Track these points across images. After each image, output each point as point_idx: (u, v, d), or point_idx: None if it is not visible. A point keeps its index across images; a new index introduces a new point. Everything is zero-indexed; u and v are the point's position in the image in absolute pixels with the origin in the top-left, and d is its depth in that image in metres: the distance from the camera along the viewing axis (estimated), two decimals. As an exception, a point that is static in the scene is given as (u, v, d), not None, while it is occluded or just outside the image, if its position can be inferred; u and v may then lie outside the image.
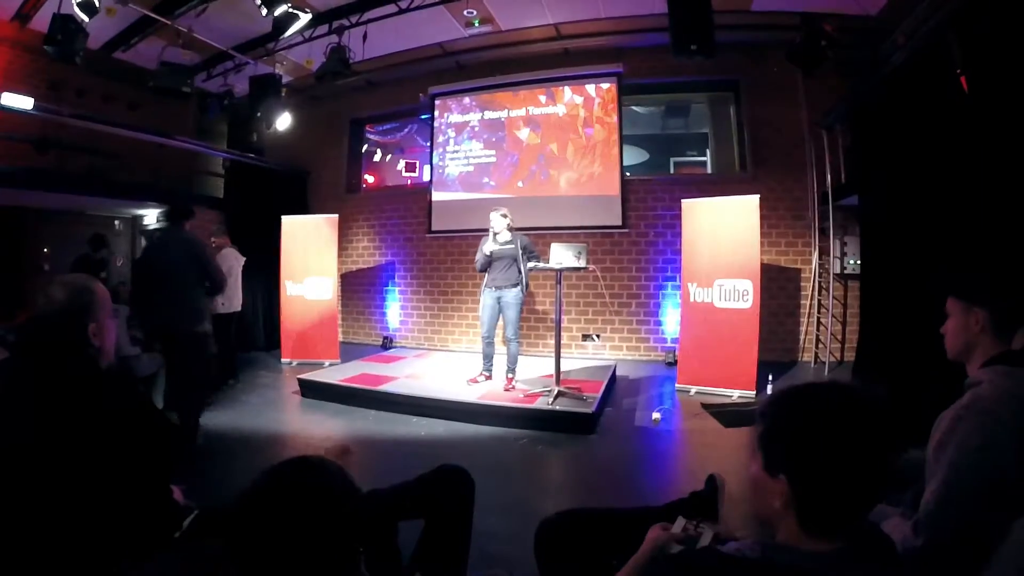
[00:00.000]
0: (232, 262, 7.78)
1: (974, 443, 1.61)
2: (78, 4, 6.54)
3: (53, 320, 1.83)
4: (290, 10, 6.94)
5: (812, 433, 1.11)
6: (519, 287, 6.46)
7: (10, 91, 7.32)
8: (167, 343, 5.13)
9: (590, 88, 9.40)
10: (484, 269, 6.66)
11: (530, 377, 7.11)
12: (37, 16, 7.92)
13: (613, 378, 7.39)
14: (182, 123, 9.73)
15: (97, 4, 6.64)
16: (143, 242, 10.94)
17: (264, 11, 6.86)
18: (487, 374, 6.91)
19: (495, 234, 6.50)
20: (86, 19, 6.78)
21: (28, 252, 9.59)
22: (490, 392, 6.42)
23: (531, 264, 6.29)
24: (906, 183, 5.52)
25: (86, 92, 9.11)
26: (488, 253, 6.50)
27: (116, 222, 10.88)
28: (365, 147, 11.89)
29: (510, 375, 6.66)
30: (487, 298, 6.65)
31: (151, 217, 10.84)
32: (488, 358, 6.90)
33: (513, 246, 6.42)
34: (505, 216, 6.49)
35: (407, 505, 2.36)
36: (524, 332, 9.52)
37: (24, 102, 7.33)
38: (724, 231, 6.99)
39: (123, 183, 9.38)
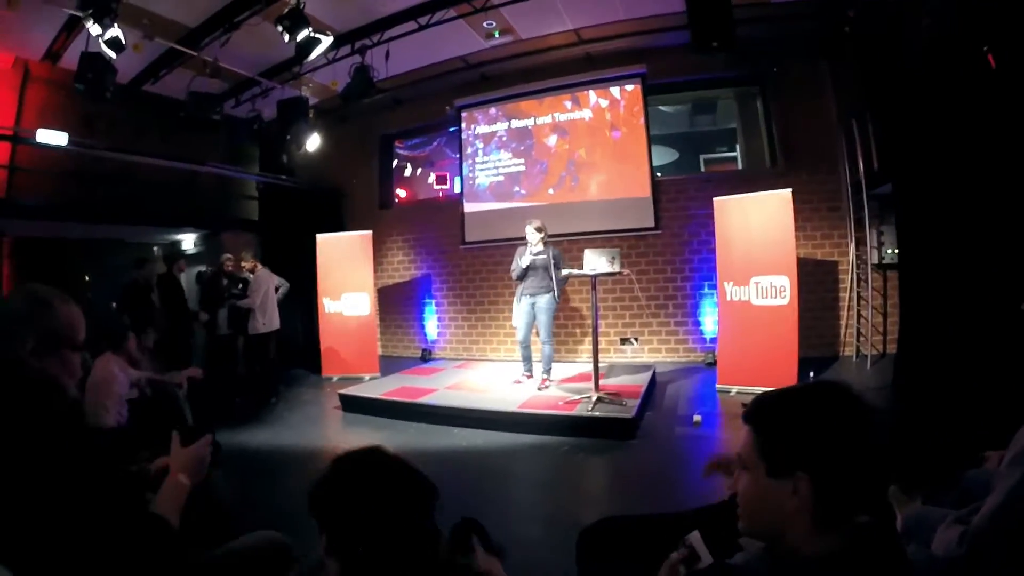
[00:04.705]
0: (267, 283, 7.92)
1: None
2: (105, 42, 6.67)
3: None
4: (312, 34, 7.03)
5: (826, 426, 1.15)
6: (551, 293, 6.79)
7: (45, 127, 7.55)
8: None
9: (615, 91, 9.36)
10: (521, 278, 6.98)
11: (570, 382, 7.22)
12: (66, 55, 8.19)
13: (653, 381, 7.33)
14: (213, 149, 9.89)
15: (123, 41, 6.78)
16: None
17: (286, 37, 6.97)
18: (528, 374, 7.43)
19: (531, 245, 6.79)
20: (114, 56, 6.93)
21: (70, 282, 9.79)
22: (530, 400, 6.42)
23: (565, 272, 6.52)
24: (940, 167, 5.38)
25: (118, 124, 9.28)
26: (525, 266, 6.78)
27: (155, 248, 11.11)
28: (395, 162, 11.97)
29: (544, 375, 7.09)
30: (522, 304, 7.03)
31: (188, 242, 11.05)
32: (527, 360, 7.43)
33: (545, 256, 6.75)
34: (540, 230, 6.83)
35: None
36: (562, 338, 9.51)
37: (59, 138, 7.54)
38: (758, 228, 6.90)
39: (159, 211, 9.55)
